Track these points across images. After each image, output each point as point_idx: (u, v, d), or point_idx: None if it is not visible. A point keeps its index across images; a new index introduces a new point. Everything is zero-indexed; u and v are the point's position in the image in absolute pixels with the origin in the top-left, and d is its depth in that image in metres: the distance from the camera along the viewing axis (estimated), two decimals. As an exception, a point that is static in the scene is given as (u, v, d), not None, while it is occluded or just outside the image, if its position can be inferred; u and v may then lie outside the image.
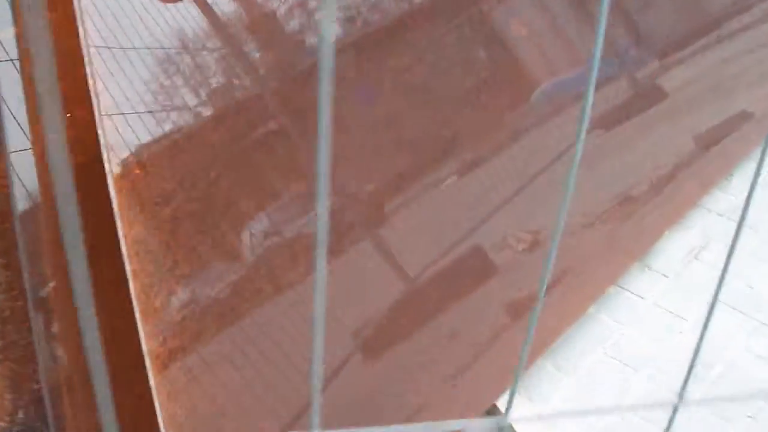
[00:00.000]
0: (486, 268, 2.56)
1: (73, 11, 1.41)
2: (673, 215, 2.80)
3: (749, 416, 2.31)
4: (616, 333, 2.54)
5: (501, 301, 2.56)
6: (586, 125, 0.47)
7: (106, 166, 1.43)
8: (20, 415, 1.87)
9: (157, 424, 1.56)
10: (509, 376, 2.42)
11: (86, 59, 1.42)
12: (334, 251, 1.91)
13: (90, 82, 1.43)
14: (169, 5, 1.58)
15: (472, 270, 2.51)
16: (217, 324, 1.69)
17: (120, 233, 1.47)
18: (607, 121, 2.80)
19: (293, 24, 1.73)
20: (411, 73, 1.82)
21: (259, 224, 1.76)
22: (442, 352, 2.37)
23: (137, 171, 1.51)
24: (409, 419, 2.18)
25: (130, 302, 1.55)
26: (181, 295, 1.63)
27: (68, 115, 1.46)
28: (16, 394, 1.84)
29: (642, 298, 2.63)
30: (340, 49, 1.70)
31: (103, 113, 1.43)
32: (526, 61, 2.47)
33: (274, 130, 1.73)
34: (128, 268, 1.53)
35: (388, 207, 2.06)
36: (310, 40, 1.66)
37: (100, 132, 1.40)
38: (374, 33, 1.58)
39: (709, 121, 3.01)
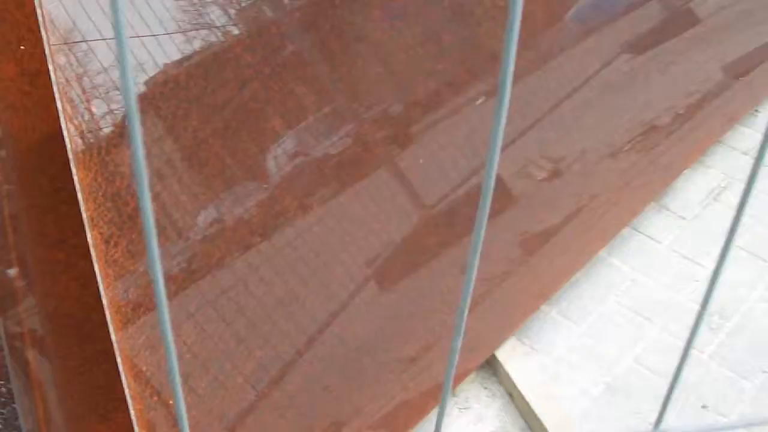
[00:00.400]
0: (502, 199, 2.43)
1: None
2: (695, 151, 2.62)
3: (765, 371, 2.18)
4: (627, 279, 2.38)
5: (515, 234, 2.44)
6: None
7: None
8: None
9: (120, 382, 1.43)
10: (516, 317, 2.28)
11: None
12: (356, 173, 1.81)
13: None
14: None
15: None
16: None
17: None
18: (638, 45, 2.64)
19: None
20: None
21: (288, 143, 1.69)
22: (455, 285, 2.25)
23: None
24: (417, 356, 2.07)
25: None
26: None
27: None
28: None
29: (657, 241, 2.46)
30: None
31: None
32: None
33: (298, 51, 1.63)
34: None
35: (415, 127, 1.99)
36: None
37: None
38: None
39: (738, 49, 2.81)
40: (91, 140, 1.36)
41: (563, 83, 2.47)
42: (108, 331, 1.40)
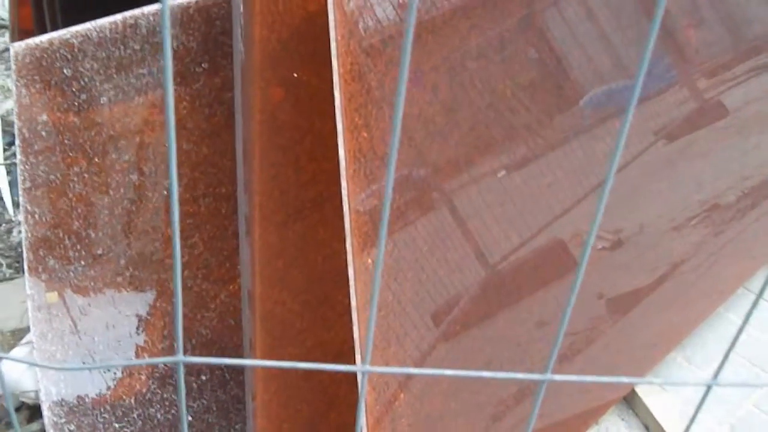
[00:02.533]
0: (567, 261, 2.55)
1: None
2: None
3: None
4: (744, 333, 2.54)
5: (591, 295, 2.56)
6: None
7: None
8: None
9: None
10: (646, 363, 2.41)
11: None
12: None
13: None
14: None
15: (553, 261, 2.49)
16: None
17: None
18: (669, 132, 2.79)
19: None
20: (462, 63, 1.82)
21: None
22: (530, 338, 2.36)
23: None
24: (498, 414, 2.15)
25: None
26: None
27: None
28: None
29: (766, 300, 2.63)
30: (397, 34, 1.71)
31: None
32: (574, 65, 2.47)
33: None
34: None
35: (435, 194, 2.03)
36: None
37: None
38: (429, 20, 1.59)
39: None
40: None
41: (600, 164, 2.55)
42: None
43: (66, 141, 1.62)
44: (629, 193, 2.66)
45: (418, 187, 1.63)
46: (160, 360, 0.57)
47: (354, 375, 1.66)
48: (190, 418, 1.83)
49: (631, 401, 2.32)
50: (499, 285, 2.20)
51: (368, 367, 0.55)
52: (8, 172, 3.04)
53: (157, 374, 1.80)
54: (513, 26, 1.96)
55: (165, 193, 1.70)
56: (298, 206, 1.48)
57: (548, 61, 2.17)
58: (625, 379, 0.53)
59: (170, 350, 1.83)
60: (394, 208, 1.49)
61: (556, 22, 2.21)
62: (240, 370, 1.81)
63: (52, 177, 1.64)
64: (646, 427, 2.27)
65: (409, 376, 1.59)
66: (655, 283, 2.65)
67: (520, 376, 0.52)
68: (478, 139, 1.84)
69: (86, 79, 1.59)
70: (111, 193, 1.68)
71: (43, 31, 1.92)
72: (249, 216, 1.46)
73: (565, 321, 0.55)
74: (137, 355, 1.79)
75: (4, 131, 3.32)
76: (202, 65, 1.64)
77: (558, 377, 0.54)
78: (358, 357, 1.40)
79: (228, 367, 1.82)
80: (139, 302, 1.77)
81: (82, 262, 1.72)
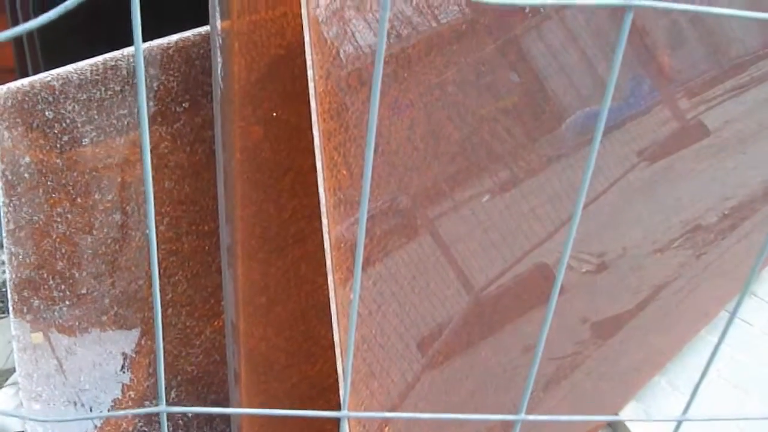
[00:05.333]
0: (551, 286, 2.53)
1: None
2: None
3: None
4: (727, 356, 2.56)
5: (576, 320, 2.57)
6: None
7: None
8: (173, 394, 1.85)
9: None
10: (633, 385, 2.43)
11: None
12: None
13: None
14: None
15: (537, 286, 2.50)
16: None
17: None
18: (650, 154, 2.80)
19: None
20: (445, 89, 1.83)
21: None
22: (516, 364, 2.37)
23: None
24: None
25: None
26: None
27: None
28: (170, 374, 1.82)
29: (750, 324, 2.66)
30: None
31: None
32: (556, 89, 2.48)
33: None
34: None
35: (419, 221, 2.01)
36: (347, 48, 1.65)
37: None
38: (411, 47, 1.61)
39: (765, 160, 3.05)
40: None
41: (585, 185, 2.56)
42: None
43: (49, 182, 1.63)
44: (612, 215, 2.67)
45: (401, 217, 1.64)
46: (143, 411, 0.58)
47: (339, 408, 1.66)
48: (177, 455, 1.83)
49: (615, 427, 2.34)
50: (484, 312, 2.20)
51: (347, 413, 0.57)
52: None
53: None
54: (492, 52, 1.97)
55: (147, 232, 1.70)
56: (280, 243, 1.50)
57: (530, 86, 2.19)
58: (597, 418, 0.55)
59: (156, 388, 1.84)
60: (375, 240, 1.51)
61: (536, 46, 2.24)
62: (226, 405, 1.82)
63: (35, 218, 1.65)
64: (632, 451, 2.28)
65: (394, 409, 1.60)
66: (638, 307, 2.67)
67: (494, 417, 0.54)
68: (460, 166, 1.85)
69: (68, 121, 1.60)
70: (94, 232, 1.69)
71: (25, 70, 1.94)
72: (231, 253, 1.47)
73: (536, 361, 0.56)
74: (123, 393, 1.79)
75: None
76: (183, 104, 1.65)
77: (531, 417, 0.55)
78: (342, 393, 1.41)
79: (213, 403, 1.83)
80: (124, 341, 1.77)
81: (67, 302, 1.73)
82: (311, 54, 1.28)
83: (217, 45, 1.44)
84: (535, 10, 2.13)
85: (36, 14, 1.88)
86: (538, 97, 2.28)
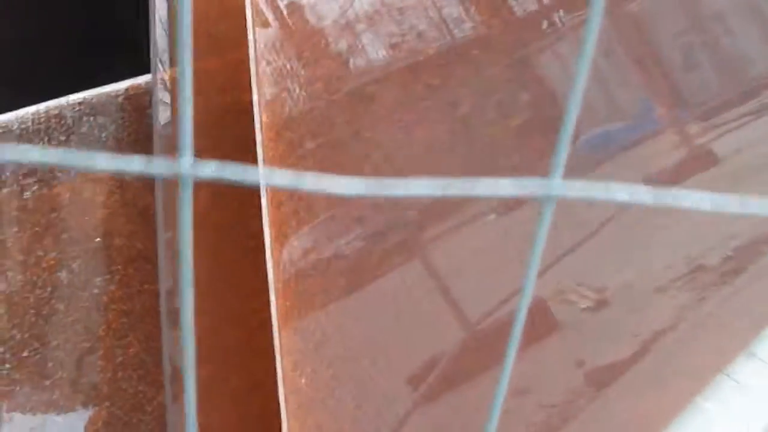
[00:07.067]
0: (547, 323, 2.44)
1: None
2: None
3: None
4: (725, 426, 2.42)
5: (571, 362, 2.45)
6: None
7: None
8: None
9: None
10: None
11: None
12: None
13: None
14: None
15: (532, 321, 2.38)
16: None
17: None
18: (656, 181, 2.71)
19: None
20: (453, 105, 1.76)
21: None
22: (507, 408, 2.23)
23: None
24: None
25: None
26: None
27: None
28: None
29: (750, 387, 2.52)
30: (385, 76, 1.67)
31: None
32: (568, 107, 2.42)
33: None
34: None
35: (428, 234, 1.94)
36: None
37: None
38: (421, 61, 1.53)
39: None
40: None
41: (588, 213, 2.47)
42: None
43: (-14, 239, 1.52)
44: (612, 246, 2.58)
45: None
46: None
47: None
48: None
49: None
50: (476, 349, 2.11)
51: None
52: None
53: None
54: (504, 69, 1.89)
55: (96, 291, 1.59)
56: (235, 312, 1.39)
57: (541, 104, 2.10)
58: None
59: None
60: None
61: (549, 65, 2.15)
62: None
63: (-29, 276, 1.53)
64: None
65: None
66: (635, 355, 2.55)
67: None
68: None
69: (8, 174, 1.49)
70: (37, 291, 1.57)
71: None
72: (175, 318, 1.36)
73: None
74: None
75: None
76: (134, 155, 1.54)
77: None
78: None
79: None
80: (69, 407, 1.65)
81: (7, 365, 1.61)
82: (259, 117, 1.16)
83: (159, 94, 1.33)
84: (553, 26, 2.05)
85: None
86: (549, 115, 2.19)
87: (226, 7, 1.38)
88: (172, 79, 1.38)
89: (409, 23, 1.62)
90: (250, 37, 1.27)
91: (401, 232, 1.75)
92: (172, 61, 1.39)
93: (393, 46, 1.59)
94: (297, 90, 1.41)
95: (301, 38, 1.44)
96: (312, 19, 1.47)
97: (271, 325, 1.44)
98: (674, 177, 2.80)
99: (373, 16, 1.55)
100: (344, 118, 1.52)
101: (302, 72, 1.43)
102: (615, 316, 2.50)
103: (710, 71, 2.95)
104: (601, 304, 2.49)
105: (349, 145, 1.54)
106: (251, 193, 1.30)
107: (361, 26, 1.54)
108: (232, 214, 1.33)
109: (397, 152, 1.70)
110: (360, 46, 1.56)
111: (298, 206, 1.37)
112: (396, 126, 1.65)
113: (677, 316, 2.72)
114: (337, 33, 1.50)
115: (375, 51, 1.53)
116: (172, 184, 1.38)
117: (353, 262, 1.59)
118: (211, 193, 1.30)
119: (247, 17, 1.35)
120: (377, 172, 1.62)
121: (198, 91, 1.30)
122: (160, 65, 1.40)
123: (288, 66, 1.38)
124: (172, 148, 1.33)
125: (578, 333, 2.42)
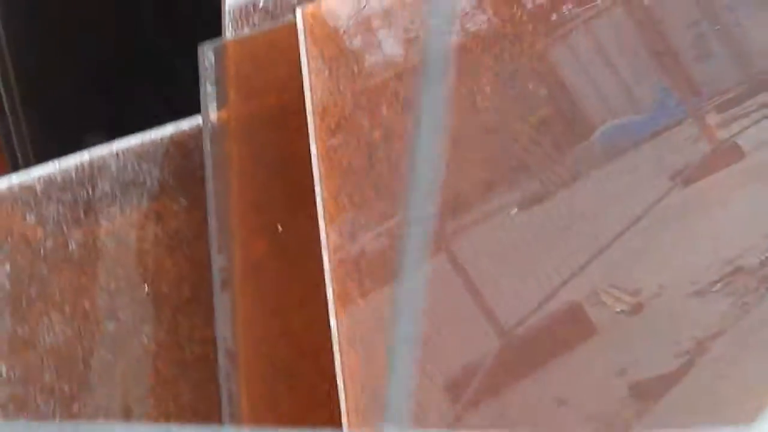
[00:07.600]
0: (583, 325, 2.36)
1: None
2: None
3: None
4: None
5: (609, 370, 2.37)
6: None
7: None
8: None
9: None
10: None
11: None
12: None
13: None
14: None
15: (567, 325, 2.33)
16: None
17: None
18: (682, 176, 2.61)
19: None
20: (473, 98, 1.72)
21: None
22: (549, 418, 2.18)
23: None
24: None
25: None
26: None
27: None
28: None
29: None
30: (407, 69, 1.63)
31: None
32: (585, 101, 2.40)
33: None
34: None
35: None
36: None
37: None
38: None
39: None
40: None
41: (618, 208, 2.41)
42: None
43: (33, 292, 1.48)
44: (644, 245, 2.49)
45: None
46: None
47: None
48: None
49: None
50: (511, 356, 2.05)
51: None
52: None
53: None
54: (523, 62, 1.86)
55: (145, 340, 1.55)
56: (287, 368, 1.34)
57: (558, 96, 2.07)
58: None
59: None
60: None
61: (565, 57, 2.12)
62: None
63: (18, 330, 1.50)
64: None
65: None
66: (681, 368, 2.46)
67: None
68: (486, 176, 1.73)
69: (52, 224, 1.45)
70: (84, 343, 1.54)
71: (14, 158, 1.81)
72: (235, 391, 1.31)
73: None
74: None
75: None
76: (180, 201, 1.50)
77: None
78: None
79: None
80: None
81: (58, 420, 1.57)
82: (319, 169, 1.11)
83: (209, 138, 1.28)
84: (562, 17, 2.03)
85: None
86: (567, 108, 2.16)
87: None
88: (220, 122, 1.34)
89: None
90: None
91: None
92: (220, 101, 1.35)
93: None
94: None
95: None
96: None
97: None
98: (699, 172, 2.73)
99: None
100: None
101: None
102: (651, 320, 2.42)
103: (728, 59, 2.87)
104: (636, 308, 2.40)
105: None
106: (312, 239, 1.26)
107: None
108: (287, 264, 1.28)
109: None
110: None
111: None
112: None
113: (720, 324, 2.63)
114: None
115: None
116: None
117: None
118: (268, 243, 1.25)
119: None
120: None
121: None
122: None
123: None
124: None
125: (614, 338, 2.35)
